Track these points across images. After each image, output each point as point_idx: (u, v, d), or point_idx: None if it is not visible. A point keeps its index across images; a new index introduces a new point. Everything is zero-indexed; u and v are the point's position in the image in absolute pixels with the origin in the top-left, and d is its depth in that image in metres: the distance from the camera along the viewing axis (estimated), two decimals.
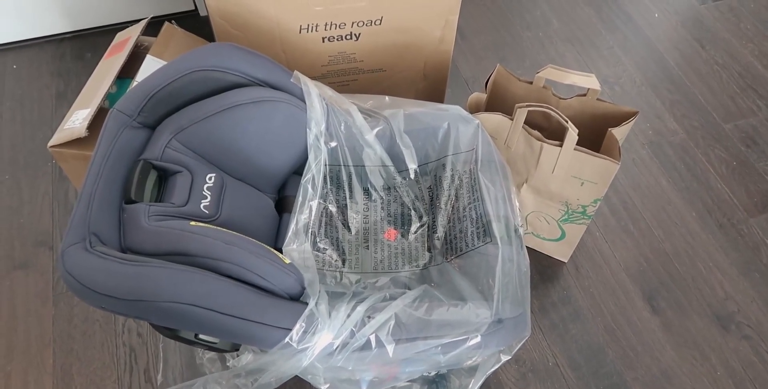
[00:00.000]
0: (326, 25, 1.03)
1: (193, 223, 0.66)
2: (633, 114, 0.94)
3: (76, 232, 0.62)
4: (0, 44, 1.48)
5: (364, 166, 0.89)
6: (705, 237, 1.18)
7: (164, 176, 0.74)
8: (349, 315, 0.64)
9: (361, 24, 1.04)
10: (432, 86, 1.20)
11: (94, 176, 0.69)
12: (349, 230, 0.90)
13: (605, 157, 0.87)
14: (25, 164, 1.27)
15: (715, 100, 1.41)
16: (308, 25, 1.03)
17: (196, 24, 1.13)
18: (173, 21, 1.14)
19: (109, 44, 1.14)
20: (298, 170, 0.85)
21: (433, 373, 0.83)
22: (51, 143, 0.93)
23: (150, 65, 1.02)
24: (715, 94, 1.42)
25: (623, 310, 1.09)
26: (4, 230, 1.18)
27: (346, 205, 0.90)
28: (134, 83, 1.00)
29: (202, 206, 0.71)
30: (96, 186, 0.67)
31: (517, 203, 0.84)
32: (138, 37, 1.08)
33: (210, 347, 0.65)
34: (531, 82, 1.01)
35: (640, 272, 1.13)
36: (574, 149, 0.88)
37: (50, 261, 1.13)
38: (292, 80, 0.84)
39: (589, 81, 0.94)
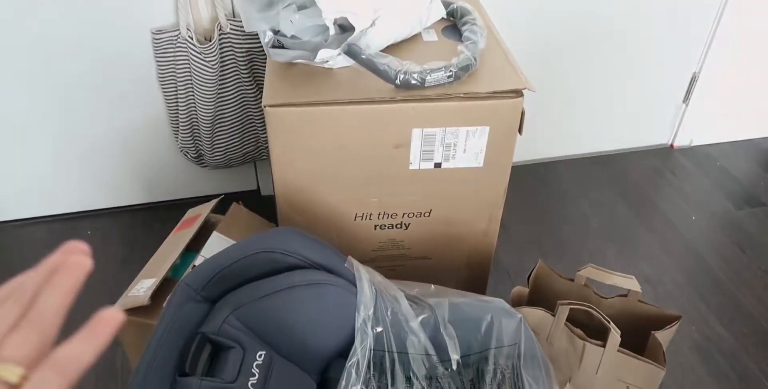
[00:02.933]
0: (379, 214, 1.12)
1: None
2: (676, 319, 0.95)
3: None
4: (80, 211, 1.62)
5: (407, 353, 0.90)
6: None
7: (217, 351, 0.77)
8: None
9: (411, 215, 1.12)
10: (475, 275, 1.24)
11: (154, 347, 0.72)
12: None
13: (650, 362, 0.87)
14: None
15: (761, 306, 1.40)
16: (363, 213, 1.11)
17: (258, 202, 1.24)
18: (240, 201, 1.25)
19: (178, 217, 1.24)
20: (343, 353, 0.86)
21: None
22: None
23: (215, 241, 1.10)
24: (762, 300, 1.41)
25: None
26: None
27: None
28: (199, 257, 1.07)
29: (249, 383, 0.73)
30: (155, 357, 0.70)
31: None
32: (207, 214, 1.18)
33: None
34: (572, 280, 1.04)
35: None
36: (618, 351, 0.88)
37: None
38: (345, 265, 0.90)
39: (629, 283, 0.97)
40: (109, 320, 0.28)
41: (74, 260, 0.29)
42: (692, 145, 1.97)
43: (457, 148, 1.04)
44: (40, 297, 0.28)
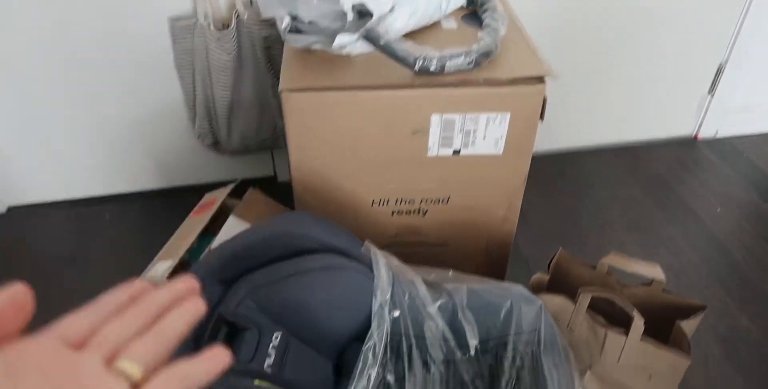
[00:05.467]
0: (397, 200, 1.10)
1: (257, 382, 0.66)
2: (700, 308, 0.93)
3: None
4: (100, 196, 1.64)
5: (425, 338, 0.89)
6: None
7: (233, 332, 0.76)
8: None
9: (429, 202, 1.11)
10: (493, 264, 1.22)
11: None
12: None
13: (675, 351, 0.85)
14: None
15: None
16: (380, 199, 1.10)
17: (275, 188, 1.24)
18: (257, 186, 1.25)
19: (194, 202, 1.24)
20: (360, 337, 0.85)
21: None
22: None
23: (232, 225, 1.10)
24: None
25: None
26: None
27: (404, 377, 0.88)
28: (215, 240, 1.07)
29: (266, 364, 0.72)
30: None
31: None
32: (224, 198, 1.18)
33: None
34: (594, 267, 1.02)
35: None
36: (641, 340, 0.87)
37: None
38: (362, 250, 0.89)
39: (653, 271, 0.95)
40: (224, 356, 0.30)
41: (196, 301, 0.31)
42: (717, 136, 1.93)
43: (476, 135, 1.02)
44: (167, 315, 0.30)
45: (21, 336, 0.28)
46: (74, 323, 0.29)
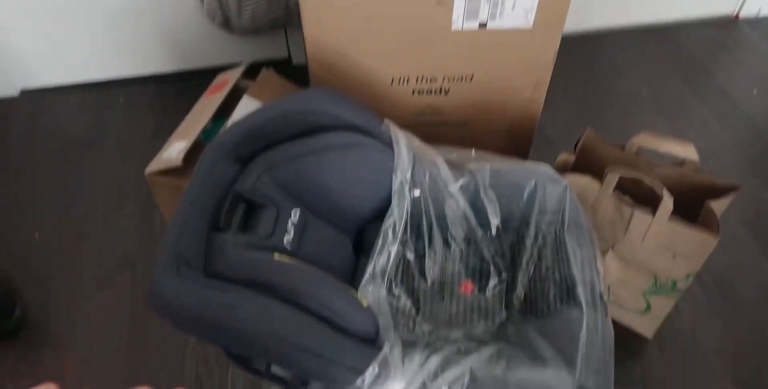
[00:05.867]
0: (418, 78, 1.05)
1: (277, 256, 0.66)
2: (733, 188, 0.90)
3: (167, 256, 0.64)
4: (111, 79, 1.60)
5: (445, 217, 0.88)
6: None
7: (252, 209, 0.75)
8: (422, 365, 0.62)
9: (452, 80, 1.06)
10: (517, 144, 1.19)
11: (188, 204, 0.70)
12: (426, 279, 0.88)
13: (703, 230, 0.83)
14: (118, 189, 1.33)
15: None
16: (401, 77, 1.05)
17: (289, 71, 1.19)
18: (270, 67, 1.19)
19: (206, 84, 1.20)
20: (380, 216, 0.85)
21: None
22: (148, 169, 0.97)
23: (246, 105, 1.06)
24: None
25: None
26: (93, 250, 1.23)
27: (424, 254, 0.89)
28: (230, 121, 1.04)
29: (285, 240, 0.72)
30: (189, 213, 0.69)
31: (602, 270, 0.80)
32: (237, 79, 1.13)
33: (278, 380, 0.64)
34: (623, 148, 0.99)
35: (735, 359, 1.04)
36: (668, 220, 0.85)
37: (130, 282, 1.17)
38: (382, 128, 0.85)
39: (686, 150, 0.91)
40: None
41: None
42: (760, 15, 1.80)
43: (505, 4, 0.95)
44: None
45: None
46: None
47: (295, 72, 1.22)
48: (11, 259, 1.21)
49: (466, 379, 0.62)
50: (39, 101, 1.55)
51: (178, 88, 1.57)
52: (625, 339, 1.06)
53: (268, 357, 0.60)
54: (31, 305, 1.13)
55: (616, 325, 1.06)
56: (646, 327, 1.05)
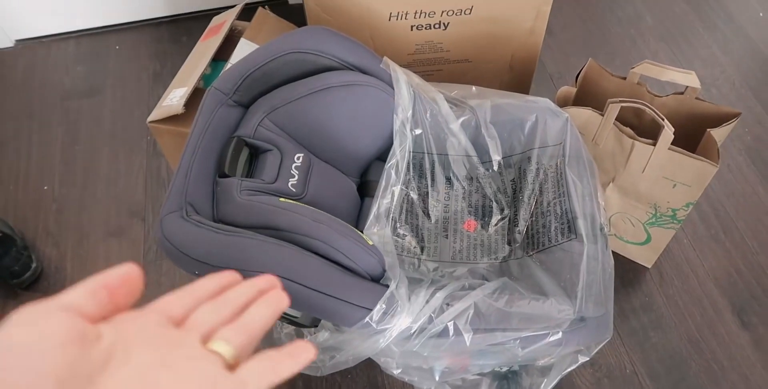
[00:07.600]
0: (416, 13, 1.03)
1: (282, 199, 0.67)
2: (734, 115, 0.90)
3: (174, 201, 0.65)
4: (106, 26, 1.56)
5: (447, 155, 0.88)
6: None
7: (255, 154, 0.76)
8: (428, 301, 0.64)
9: (450, 13, 1.03)
10: (517, 79, 1.18)
11: (192, 150, 0.71)
12: (429, 218, 0.90)
13: (703, 158, 0.83)
14: (122, 139, 1.33)
15: None
16: (398, 12, 1.03)
17: (286, 11, 1.16)
18: (266, 7, 1.16)
19: (203, 29, 1.18)
20: (382, 156, 0.85)
21: (504, 369, 0.82)
22: (150, 118, 0.97)
23: (244, 48, 1.04)
24: None
25: (710, 322, 1.03)
26: (102, 200, 1.25)
27: (427, 193, 0.90)
28: (228, 65, 1.03)
29: (290, 184, 0.73)
30: (193, 160, 0.70)
31: (602, 202, 0.81)
32: (233, 21, 1.11)
33: (291, 321, 0.66)
34: (624, 78, 0.98)
35: (730, 284, 1.07)
36: (669, 149, 0.85)
37: (141, 231, 1.19)
38: (381, 66, 0.84)
39: (688, 79, 0.90)
40: (308, 348, 0.31)
41: (279, 293, 0.33)
42: None
43: None
44: (251, 308, 0.32)
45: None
46: (173, 302, 0.31)
47: (291, 11, 1.19)
48: (23, 213, 1.23)
49: (471, 313, 0.64)
50: (34, 52, 1.53)
51: (173, 33, 1.54)
52: (626, 270, 1.09)
53: None
54: (46, 257, 1.16)
55: (617, 256, 1.09)
56: (646, 257, 1.08)
